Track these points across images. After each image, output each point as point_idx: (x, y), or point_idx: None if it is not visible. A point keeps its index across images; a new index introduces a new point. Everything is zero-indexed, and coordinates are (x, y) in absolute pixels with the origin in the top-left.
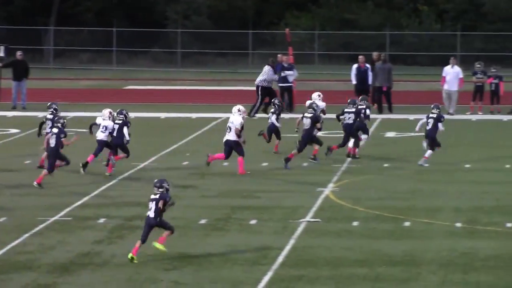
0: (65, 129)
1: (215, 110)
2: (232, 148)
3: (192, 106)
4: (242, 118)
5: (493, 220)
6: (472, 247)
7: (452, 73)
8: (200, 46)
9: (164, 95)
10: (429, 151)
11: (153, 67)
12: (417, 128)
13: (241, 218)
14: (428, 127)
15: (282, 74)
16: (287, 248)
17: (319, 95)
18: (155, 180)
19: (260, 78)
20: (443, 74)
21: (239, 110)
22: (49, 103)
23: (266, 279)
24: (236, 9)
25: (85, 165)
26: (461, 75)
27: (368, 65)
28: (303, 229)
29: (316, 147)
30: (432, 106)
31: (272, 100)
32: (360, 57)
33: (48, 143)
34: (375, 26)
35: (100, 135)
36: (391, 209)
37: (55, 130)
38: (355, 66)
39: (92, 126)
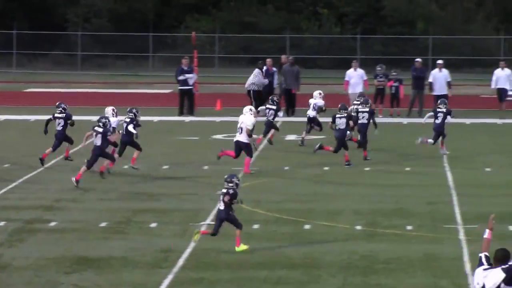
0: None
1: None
2: (242, 149)
3: (93, 108)
4: (254, 117)
5: (393, 223)
6: (372, 250)
7: (356, 76)
8: (100, 49)
9: (65, 98)
10: (430, 140)
11: (53, 70)
12: (423, 121)
13: (142, 221)
14: (438, 121)
15: (182, 77)
16: (188, 251)
17: (320, 93)
18: (226, 176)
19: (249, 81)
20: (346, 78)
21: (250, 110)
22: (57, 103)
23: (166, 282)
24: (136, 12)
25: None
26: (365, 77)
27: (275, 69)
28: None
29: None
30: (439, 101)
31: (271, 97)
32: (268, 60)
33: (86, 141)
34: (275, 29)
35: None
36: (292, 212)
37: (99, 129)
38: (263, 69)
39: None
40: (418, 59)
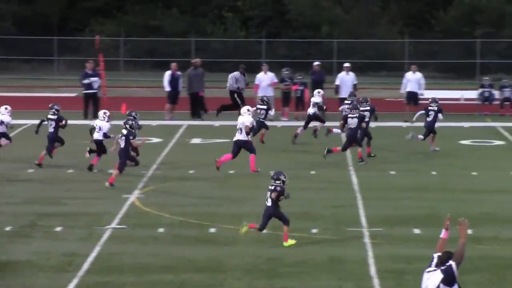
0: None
1: (20, 117)
2: (242, 147)
3: None
4: (252, 117)
5: (298, 226)
6: (278, 253)
7: (266, 79)
8: (4, 53)
9: None
10: (421, 136)
11: None
12: (414, 118)
13: (47, 225)
14: (429, 119)
15: (87, 81)
16: (93, 255)
17: (318, 92)
18: (272, 173)
19: (231, 84)
20: (256, 82)
21: (248, 110)
22: (50, 104)
23: (71, 286)
24: (41, 15)
25: (90, 167)
26: (275, 80)
27: (179, 72)
28: (108, 236)
29: (359, 149)
30: (430, 100)
31: (260, 97)
32: (173, 64)
33: (118, 144)
34: (180, 33)
35: (96, 135)
36: (197, 215)
37: (124, 131)
38: (168, 72)
39: (92, 130)
40: (317, 63)
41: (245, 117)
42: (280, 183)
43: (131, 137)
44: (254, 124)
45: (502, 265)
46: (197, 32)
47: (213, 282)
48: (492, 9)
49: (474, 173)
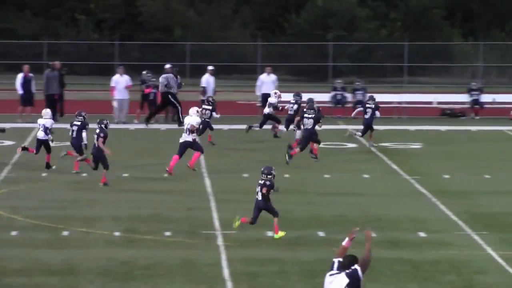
0: None
1: None
2: (188, 147)
3: None
4: (199, 117)
5: (151, 229)
6: (131, 256)
7: (123, 82)
8: None
9: None
10: (359, 133)
11: None
12: (353, 115)
13: None
14: (367, 116)
15: None
16: None
17: (275, 93)
18: (263, 168)
19: (162, 85)
20: (113, 84)
21: (197, 111)
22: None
23: None
24: None
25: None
26: (130, 83)
27: (31, 74)
28: None
29: (315, 145)
30: (367, 97)
31: (206, 97)
32: (25, 66)
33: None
34: (33, 35)
35: (40, 134)
36: (50, 218)
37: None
38: (20, 75)
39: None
40: (168, 65)
41: (193, 118)
42: (271, 178)
43: (101, 135)
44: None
45: None
46: (50, 34)
47: (66, 285)
48: (344, 13)
49: (327, 176)
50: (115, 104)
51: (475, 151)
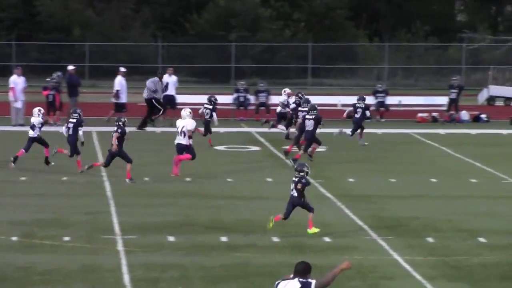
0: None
1: None
2: (183, 150)
3: None
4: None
5: (50, 234)
6: (30, 262)
7: (21, 83)
8: None
9: None
10: (349, 132)
11: None
12: (344, 115)
13: None
14: (357, 116)
15: None
16: None
17: (284, 91)
18: (296, 165)
19: (149, 91)
20: (12, 85)
21: (190, 113)
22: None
23: None
24: None
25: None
26: (25, 84)
27: None
28: None
29: (316, 146)
30: (357, 98)
31: (208, 97)
32: None
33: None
34: None
35: (30, 132)
36: None
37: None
38: None
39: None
40: (71, 67)
41: (188, 121)
42: (303, 174)
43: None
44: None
45: (260, 272)
46: None
47: None
48: (247, 13)
49: (229, 180)
50: (16, 105)
51: (381, 154)
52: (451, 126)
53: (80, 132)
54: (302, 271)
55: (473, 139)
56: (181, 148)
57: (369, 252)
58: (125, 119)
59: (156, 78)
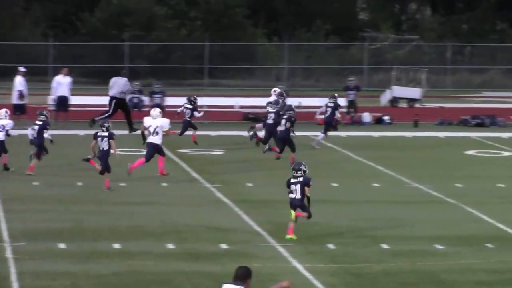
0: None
1: None
2: (155, 150)
3: None
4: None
5: None
6: None
7: None
8: None
9: None
10: (322, 135)
11: None
12: (317, 116)
13: None
14: (327, 114)
15: None
16: None
17: (274, 91)
18: (293, 164)
19: (115, 90)
20: None
21: (160, 113)
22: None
23: None
24: None
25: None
26: None
27: None
28: None
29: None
30: (329, 97)
31: (188, 97)
32: None
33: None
34: None
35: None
36: None
37: (105, 134)
38: None
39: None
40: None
41: (161, 120)
42: (301, 173)
43: (113, 137)
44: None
45: (155, 280)
46: None
47: None
48: (142, 11)
49: (122, 184)
50: None
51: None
52: (352, 128)
53: (46, 135)
54: (242, 276)
55: (375, 141)
56: (153, 148)
57: (268, 260)
58: (109, 124)
59: (125, 79)
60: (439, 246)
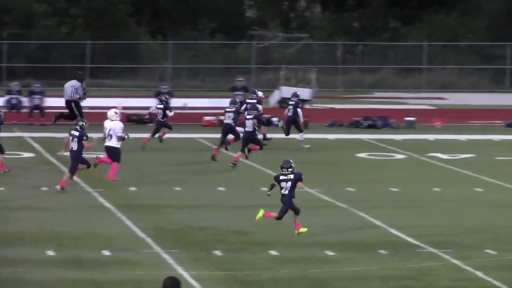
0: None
1: None
2: (112, 153)
3: None
4: (120, 120)
5: None
6: None
7: None
8: None
9: None
10: (301, 134)
11: None
12: (283, 121)
13: None
14: (289, 114)
15: None
16: None
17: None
18: (282, 162)
19: (72, 92)
20: None
21: (116, 113)
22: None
23: None
24: None
25: None
26: None
27: None
28: None
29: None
30: (291, 94)
31: (159, 97)
32: None
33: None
34: None
35: None
36: None
37: (76, 133)
38: None
39: None
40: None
41: (116, 123)
42: (291, 170)
43: (84, 138)
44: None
45: None
46: None
47: None
48: (21, 8)
49: (1, 189)
50: None
51: (164, 160)
52: (240, 130)
53: None
54: (170, 286)
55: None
56: (110, 151)
57: (152, 267)
58: (83, 122)
59: (75, 81)
60: (330, 253)
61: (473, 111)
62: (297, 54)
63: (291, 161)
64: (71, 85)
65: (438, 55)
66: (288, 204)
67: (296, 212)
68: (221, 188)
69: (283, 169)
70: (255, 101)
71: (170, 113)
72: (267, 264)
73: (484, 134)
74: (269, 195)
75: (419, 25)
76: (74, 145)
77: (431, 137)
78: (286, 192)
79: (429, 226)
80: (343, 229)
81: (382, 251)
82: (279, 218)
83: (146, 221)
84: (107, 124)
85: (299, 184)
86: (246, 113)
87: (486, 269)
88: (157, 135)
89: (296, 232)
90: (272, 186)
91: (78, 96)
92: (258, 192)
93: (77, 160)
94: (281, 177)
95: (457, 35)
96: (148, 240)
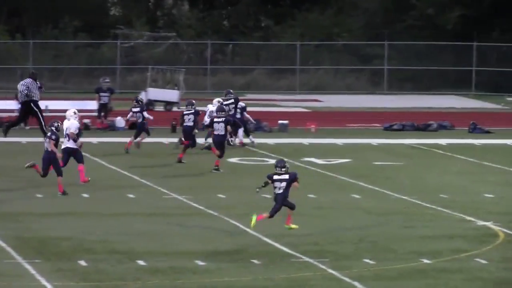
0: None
1: None
2: (70, 155)
3: None
4: (78, 121)
5: None
6: None
7: None
8: None
9: None
10: (240, 133)
11: None
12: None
13: None
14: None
15: None
16: None
17: (218, 101)
18: (276, 161)
19: (24, 92)
20: None
21: (74, 113)
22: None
23: None
24: None
25: None
26: None
27: None
28: None
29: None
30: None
31: (136, 97)
32: None
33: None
34: None
35: None
36: None
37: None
38: None
39: None
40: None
41: (71, 122)
42: (286, 170)
43: (53, 138)
44: (79, 130)
45: None
46: None
47: None
48: None
49: None
50: None
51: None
52: (104, 134)
53: None
54: None
55: (117, 149)
56: (68, 153)
57: (14, 278)
58: (59, 124)
59: (30, 80)
60: (200, 262)
61: (350, 113)
62: (164, 54)
63: (285, 160)
64: (25, 84)
65: (312, 55)
66: (280, 202)
67: (291, 207)
68: (85, 195)
69: (277, 169)
70: (232, 101)
71: (147, 115)
72: (134, 275)
73: (362, 138)
74: (257, 192)
75: (292, 24)
76: (48, 146)
77: (305, 141)
78: (280, 191)
79: (304, 235)
80: (214, 238)
81: (255, 261)
82: (271, 216)
83: (7, 229)
84: (65, 123)
85: (295, 184)
86: (215, 115)
87: (364, 279)
88: (136, 140)
89: (286, 226)
90: (266, 184)
91: (31, 94)
92: (124, 199)
93: (55, 159)
94: (275, 177)
95: (332, 34)
96: (9, 249)
